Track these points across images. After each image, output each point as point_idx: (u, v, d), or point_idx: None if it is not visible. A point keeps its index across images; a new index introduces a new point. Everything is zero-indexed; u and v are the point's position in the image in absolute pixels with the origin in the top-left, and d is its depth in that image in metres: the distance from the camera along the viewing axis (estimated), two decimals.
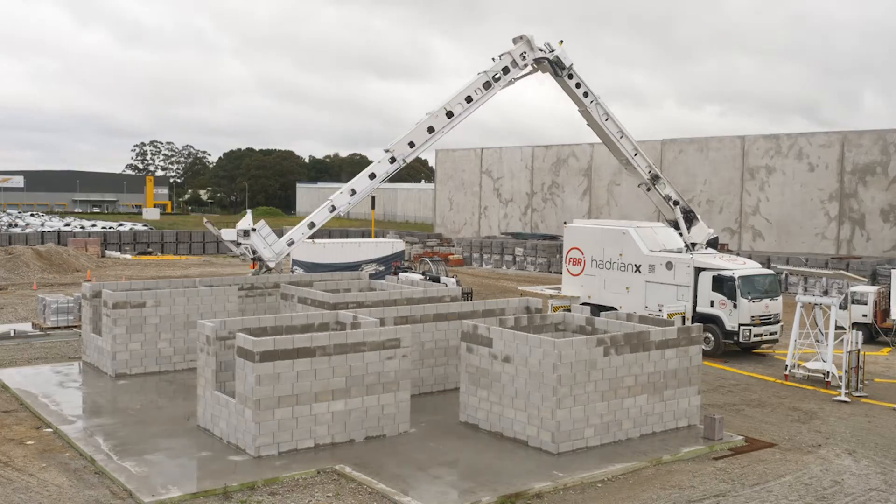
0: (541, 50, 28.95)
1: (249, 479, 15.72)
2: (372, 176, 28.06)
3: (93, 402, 21.58)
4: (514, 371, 18.28)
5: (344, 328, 20.04)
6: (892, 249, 53.38)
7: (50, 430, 19.03)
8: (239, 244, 26.68)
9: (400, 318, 21.89)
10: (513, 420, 18.36)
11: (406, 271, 43.01)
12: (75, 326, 31.13)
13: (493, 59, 28.63)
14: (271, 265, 26.78)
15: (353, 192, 27.96)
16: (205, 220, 31.66)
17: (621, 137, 31.33)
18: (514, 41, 28.79)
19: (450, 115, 28.01)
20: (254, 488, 15.39)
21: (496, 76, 28.29)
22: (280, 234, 30.47)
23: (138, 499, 14.73)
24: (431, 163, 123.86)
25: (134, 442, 17.95)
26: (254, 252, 26.47)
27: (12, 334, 30.47)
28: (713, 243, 32.58)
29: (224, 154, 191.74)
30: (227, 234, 26.97)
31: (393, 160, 27.72)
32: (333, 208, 27.72)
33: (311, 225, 27.41)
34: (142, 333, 24.63)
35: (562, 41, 29.19)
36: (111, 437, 18.32)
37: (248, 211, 29.79)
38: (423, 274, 41.83)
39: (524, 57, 28.60)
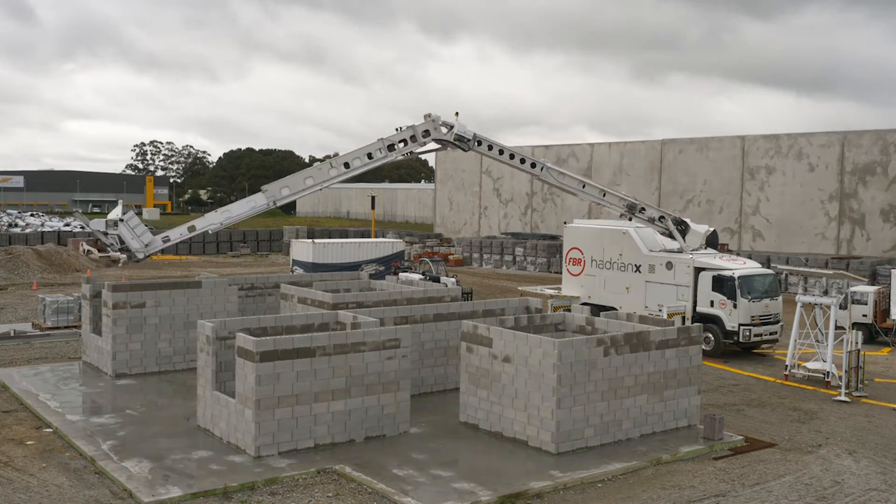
0: (442, 131, 28.59)
1: (249, 479, 15.73)
2: (246, 204, 27.58)
3: (93, 402, 21.59)
4: (514, 371, 18.28)
5: (344, 328, 20.04)
6: (892, 249, 53.36)
7: (50, 430, 19.04)
8: (107, 234, 26.59)
9: (400, 318, 21.89)
10: (513, 420, 18.36)
11: (406, 271, 43.01)
12: (75, 326, 31.14)
13: (396, 129, 28.48)
14: (139, 256, 26.68)
15: (227, 213, 27.54)
16: (76, 211, 31.94)
17: (583, 187, 31.39)
18: (424, 117, 28.70)
19: (346, 166, 27.74)
20: (254, 488, 15.40)
21: (392, 145, 28.02)
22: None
23: (138, 499, 14.73)
24: (431, 163, 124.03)
25: (134, 442, 17.95)
26: (121, 242, 26.43)
27: (12, 334, 30.47)
28: (713, 240, 32.49)
29: (224, 154, 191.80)
30: (96, 224, 26.87)
31: (265, 202, 27.32)
32: (207, 220, 27.28)
33: (191, 228, 27.27)
34: (142, 333, 24.64)
35: (457, 113, 29.00)
36: (111, 437, 18.33)
37: (120, 201, 30.08)
38: (423, 274, 41.83)
39: (426, 135, 28.53)
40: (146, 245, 26.34)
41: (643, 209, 31.79)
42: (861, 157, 55.29)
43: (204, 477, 15.92)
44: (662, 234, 32.46)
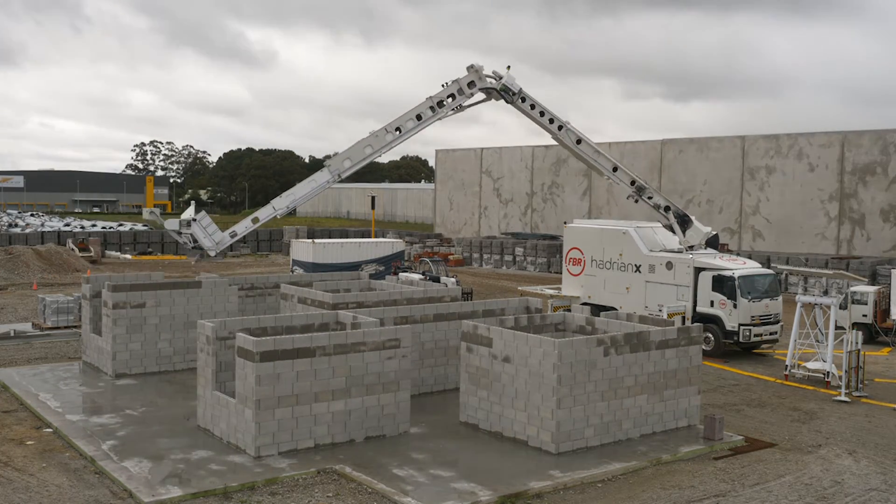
0: (489, 78, 29.34)
1: (249, 479, 15.73)
2: (311, 183, 28.56)
3: (93, 402, 21.58)
4: (514, 371, 18.28)
5: (344, 328, 20.04)
6: (892, 249, 53.35)
7: (50, 430, 19.03)
8: (181, 233, 27.75)
9: (400, 318, 21.89)
10: (513, 420, 18.36)
11: (406, 271, 43.00)
12: (75, 326, 31.13)
13: (443, 85, 29.02)
14: (211, 254, 27.74)
15: (293, 197, 28.52)
16: (150, 210, 32.85)
17: (598, 157, 31.56)
18: (467, 69, 29.27)
19: (389, 135, 28.40)
20: (254, 488, 15.40)
21: (441, 101, 28.70)
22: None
23: (138, 499, 14.73)
24: (431, 163, 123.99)
25: (134, 442, 17.95)
26: (194, 241, 27.47)
27: (12, 334, 30.47)
28: (713, 242, 32.54)
29: (224, 154, 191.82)
30: (170, 224, 28.11)
31: (328, 180, 28.29)
32: (274, 208, 28.31)
33: (255, 220, 28.33)
34: (142, 333, 24.64)
35: (509, 66, 29.73)
36: (111, 437, 18.33)
37: (192, 202, 31.01)
38: (423, 274, 41.81)
39: (471, 86, 29.15)
40: (217, 243, 27.45)
41: (651, 196, 31.91)
42: (861, 157, 55.28)
43: (204, 477, 15.92)
44: (665, 226, 32.47)
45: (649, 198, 31.86)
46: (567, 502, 15.17)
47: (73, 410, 20.58)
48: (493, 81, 29.40)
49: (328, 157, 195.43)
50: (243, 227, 28.27)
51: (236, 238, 28.20)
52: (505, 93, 29.58)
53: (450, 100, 28.83)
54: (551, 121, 30.67)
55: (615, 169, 31.86)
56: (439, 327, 22.81)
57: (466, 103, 29.51)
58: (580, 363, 17.78)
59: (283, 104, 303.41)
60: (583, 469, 16.64)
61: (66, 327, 31.59)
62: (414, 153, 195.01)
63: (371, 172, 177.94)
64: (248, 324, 19.58)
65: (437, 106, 28.68)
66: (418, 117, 28.47)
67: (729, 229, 60.62)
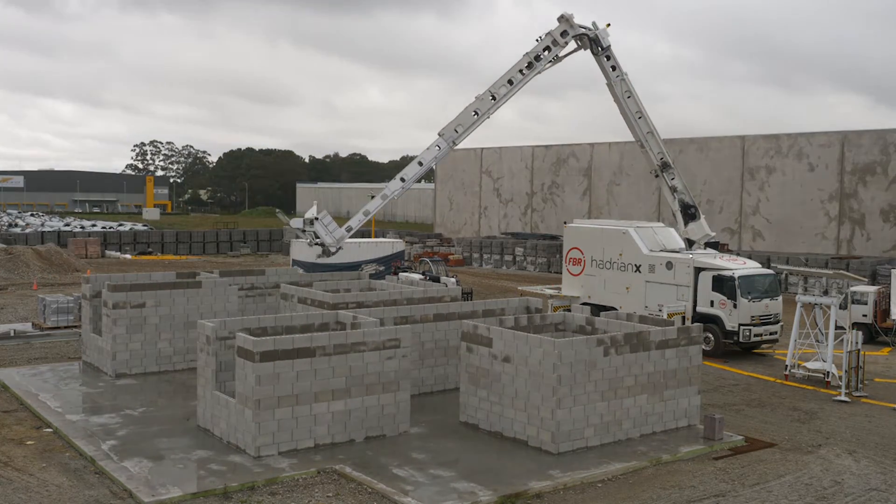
0: (581, 27, 30.61)
1: (249, 479, 15.73)
2: (420, 163, 30.41)
3: (93, 402, 21.57)
4: (514, 371, 18.28)
5: (344, 328, 20.04)
6: (892, 249, 53.35)
7: (50, 430, 19.03)
8: (305, 231, 29.81)
9: (400, 318, 21.88)
10: (513, 420, 18.36)
11: (406, 271, 42.97)
12: (75, 326, 31.11)
13: (537, 39, 30.25)
14: (332, 250, 29.68)
15: (403, 179, 30.49)
16: (277, 211, 35.49)
17: (639, 117, 32.00)
18: (558, 20, 30.48)
19: (494, 97, 29.95)
20: (254, 488, 15.40)
21: (538, 56, 29.98)
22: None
23: (138, 499, 14.73)
24: None
25: (134, 442, 17.95)
26: (316, 237, 29.39)
27: (12, 334, 30.45)
28: (713, 247, 32.61)
29: (224, 154, 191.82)
30: (296, 223, 30.69)
31: (439, 147, 29.98)
32: (385, 196, 30.27)
33: (366, 213, 30.17)
34: (142, 333, 24.63)
35: (609, 24, 31.06)
36: (111, 437, 18.33)
37: (315, 202, 33.18)
38: (423, 274, 41.78)
39: (564, 35, 30.32)
40: (337, 239, 29.45)
41: (673, 177, 32.49)
42: (861, 157, 55.28)
43: (204, 477, 15.92)
44: (674, 213, 32.73)
45: (671, 178, 32.23)
46: (567, 502, 15.17)
47: (73, 410, 20.58)
48: (586, 29, 30.61)
49: (328, 156, 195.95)
50: (356, 221, 29.98)
51: (352, 232, 29.93)
52: (594, 43, 30.65)
53: (546, 53, 30.09)
54: (613, 68, 31.46)
55: (650, 134, 32.22)
56: (439, 327, 22.80)
57: (562, 53, 30.65)
58: (580, 363, 17.78)
59: None
60: (583, 469, 16.64)
61: (66, 327, 31.57)
62: (414, 153, 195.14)
63: (371, 172, 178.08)
64: (248, 324, 19.58)
65: (534, 61, 29.92)
66: (521, 72, 29.78)
67: (729, 229, 60.63)
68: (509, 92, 29.86)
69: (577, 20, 30.53)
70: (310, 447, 17.45)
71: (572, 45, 30.98)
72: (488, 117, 30.02)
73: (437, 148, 29.86)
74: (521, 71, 29.79)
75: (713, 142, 63.10)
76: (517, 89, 30.08)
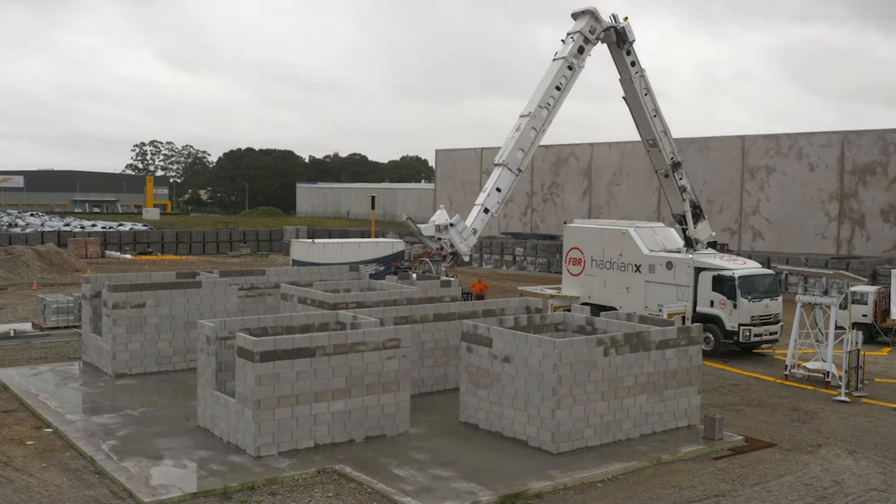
0: (606, 21, 29.28)
1: (249, 479, 15.72)
2: (497, 190, 28.37)
3: (93, 402, 21.57)
4: (514, 371, 18.28)
5: (344, 328, 20.04)
6: (892, 249, 53.35)
7: (50, 430, 19.03)
8: (438, 239, 27.39)
9: (400, 318, 21.87)
10: (513, 420, 18.36)
11: (406, 271, 42.94)
12: (75, 326, 31.12)
13: (563, 40, 28.81)
14: (465, 258, 27.90)
15: (499, 189, 28.40)
16: (404, 216, 32.57)
17: (655, 116, 31.00)
18: (576, 17, 29.00)
19: (546, 107, 28.40)
20: (254, 488, 15.39)
21: (574, 56, 28.47)
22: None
23: (138, 499, 14.73)
24: (431, 163, 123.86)
25: (134, 442, 17.95)
26: (451, 246, 27.18)
27: (12, 334, 30.45)
28: (712, 246, 32.62)
29: (224, 154, 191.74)
30: (427, 230, 27.67)
31: (510, 171, 28.21)
32: (486, 210, 28.14)
33: (487, 209, 28.11)
34: (142, 333, 24.63)
35: (626, 17, 29.71)
36: (111, 437, 18.32)
37: (441, 206, 30.39)
38: (423, 274, 41.72)
39: (594, 31, 28.88)
40: (471, 247, 27.41)
41: (682, 177, 31.83)
42: (861, 157, 55.27)
43: (204, 477, 15.92)
44: (676, 214, 32.32)
45: (680, 178, 31.71)
46: (567, 502, 15.16)
47: (73, 410, 20.58)
48: (611, 22, 29.26)
49: (328, 156, 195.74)
50: (480, 221, 27.71)
51: (476, 235, 27.86)
52: (620, 37, 29.30)
53: (579, 53, 28.57)
54: (633, 63, 30.28)
55: (665, 133, 31.38)
56: (439, 327, 22.80)
57: (591, 51, 29.25)
58: (580, 363, 17.78)
59: None
60: (583, 469, 16.64)
61: (66, 327, 31.58)
62: (414, 153, 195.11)
63: (371, 172, 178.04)
64: (248, 324, 19.57)
65: (574, 61, 28.46)
66: (563, 77, 28.21)
67: (729, 229, 60.62)
68: (560, 98, 28.46)
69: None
70: (310, 447, 17.45)
71: (599, 41, 29.61)
72: (544, 134, 28.65)
73: (510, 177, 28.12)
74: (563, 76, 28.32)
75: (713, 142, 63.09)
76: (566, 94, 28.72)
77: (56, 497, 14.93)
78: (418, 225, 28.51)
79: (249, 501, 14.81)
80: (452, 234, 26.97)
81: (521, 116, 28.37)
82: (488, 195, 28.04)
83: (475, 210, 28.11)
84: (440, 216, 27.63)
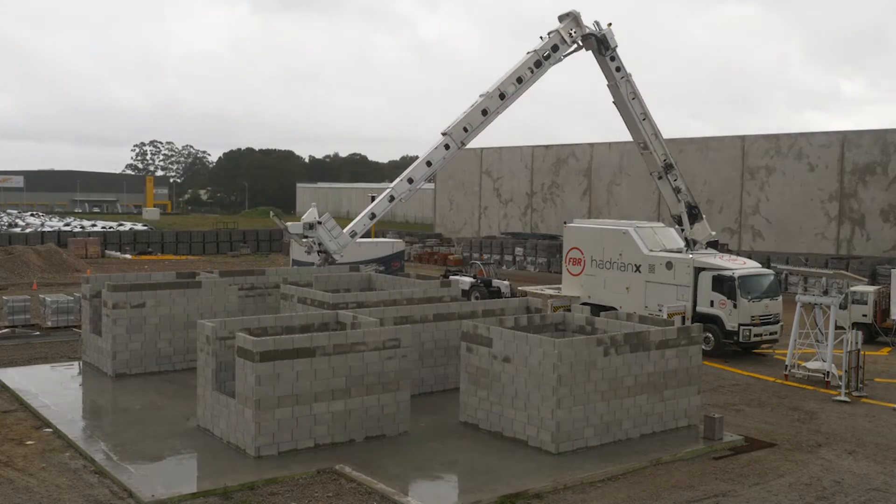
0: (588, 27, 29.64)
1: (249, 479, 15.72)
2: (428, 163, 28.86)
3: (93, 402, 21.58)
4: (514, 371, 18.28)
5: (344, 328, 20.04)
6: (892, 249, 53.33)
7: (50, 430, 19.03)
8: (305, 237, 27.30)
9: (400, 318, 21.87)
10: (513, 420, 18.36)
11: (457, 274, 42.67)
12: (75, 326, 31.12)
13: (542, 37, 29.14)
14: (337, 257, 27.53)
15: (411, 180, 28.88)
16: (271, 213, 32.31)
17: (643, 119, 31.18)
18: (560, 19, 29.34)
19: (502, 96, 28.71)
20: (254, 488, 15.39)
21: (546, 55, 28.86)
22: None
23: (138, 499, 14.74)
24: None
25: (134, 442, 17.95)
26: (319, 244, 27.16)
27: (12, 334, 30.46)
28: (713, 246, 32.60)
29: (224, 154, 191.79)
30: (294, 228, 27.53)
31: (447, 147, 28.65)
32: (392, 198, 28.47)
33: (372, 216, 28.28)
34: (142, 333, 24.62)
35: (610, 23, 29.95)
36: (111, 437, 18.32)
37: (314, 204, 30.32)
38: (475, 277, 41.59)
39: (572, 35, 29.23)
40: (342, 246, 27.19)
41: (676, 178, 31.83)
42: (861, 157, 55.26)
43: (204, 477, 15.93)
44: (674, 215, 32.31)
45: (674, 179, 31.69)
46: (567, 502, 15.16)
47: (73, 410, 20.58)
48: (593, 29, 29.56)
49: (328, 156, 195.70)
50: (361, 225, 27.78)
51: (356, 237, 27.79)
52: (601, 44, 29.58)
53: (553, 52, 28.93)
54: (618, 69, 30.43)
55: (655, 136, 31.51)
56: (439, 327, 22.80)
57: (565, 53, 29.58)
58: (580, 363, 17.78)
59: None
60: (583, 469, 16.64)
61: (66, 327, 31.59)
62: (414, 153, 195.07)
63: (371, 172, 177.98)
64: (248, 324, 19.57)
65: (543, 59, 28.75)
66: (530, 70, 28.59)
67: (729, 229, 60.61)
68: (518, 91, 28.91)
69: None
70: (310, 447, 17.45)
71: (576, 45, 30.00)
72: (497, 116, 28.97)
73: (446, 148, 28.56)
74: (529, 69, 28.77)
75: (713, 142, 63.08)
76: (525, 88, 29.15)
77: (56, 497, 14.93)
78: (286, 223, 28.46)
79: (249, 501, 14.81)
80: (320, 231, 26.96)
81: (479, 95, 28.92)
82: (399, 181, 28.48)
83: (363, 213, 28.52)
84: (309, 214, 27.49)
